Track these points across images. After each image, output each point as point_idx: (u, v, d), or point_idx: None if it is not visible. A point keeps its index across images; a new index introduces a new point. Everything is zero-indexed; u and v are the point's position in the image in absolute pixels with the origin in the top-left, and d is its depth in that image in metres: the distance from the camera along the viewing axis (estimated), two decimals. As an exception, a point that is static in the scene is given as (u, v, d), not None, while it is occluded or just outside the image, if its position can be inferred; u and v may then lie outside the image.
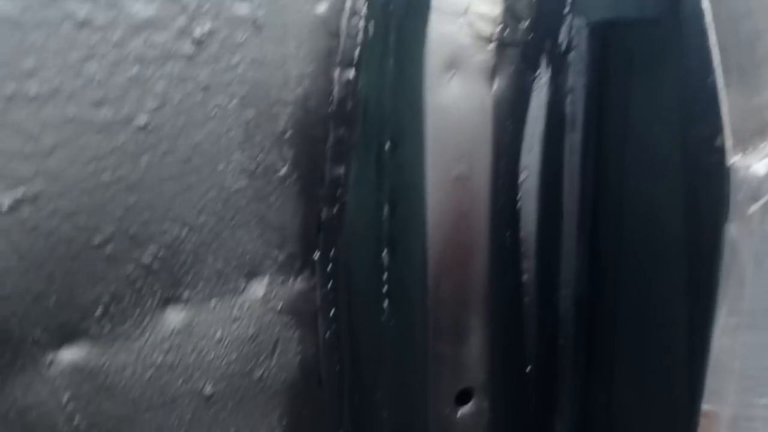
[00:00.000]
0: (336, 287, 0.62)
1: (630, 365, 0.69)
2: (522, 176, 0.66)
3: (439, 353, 0.60)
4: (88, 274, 0.42)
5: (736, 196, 0.51)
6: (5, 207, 0.37)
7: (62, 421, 0.42)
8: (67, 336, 0.43)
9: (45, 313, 0.41)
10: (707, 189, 0.54)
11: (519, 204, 0.66)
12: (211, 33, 0.46)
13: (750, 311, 0.65)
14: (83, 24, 0.39)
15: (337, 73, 0.56)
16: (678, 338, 0.62)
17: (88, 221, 0.41)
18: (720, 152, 0.52)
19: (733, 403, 0.67)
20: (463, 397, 0.63)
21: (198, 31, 0.45)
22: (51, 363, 0.42)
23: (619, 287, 0.69)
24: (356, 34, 0.57)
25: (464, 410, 0.63)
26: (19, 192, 0.38)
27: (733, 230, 0.53)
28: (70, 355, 0.43)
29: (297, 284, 0.58)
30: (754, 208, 0.52)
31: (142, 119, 0.43)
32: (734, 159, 0.51)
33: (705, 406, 0.63)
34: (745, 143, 0.55)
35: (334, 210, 0.60)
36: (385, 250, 0.60)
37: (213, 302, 0.52)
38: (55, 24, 0.38)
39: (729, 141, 0.51)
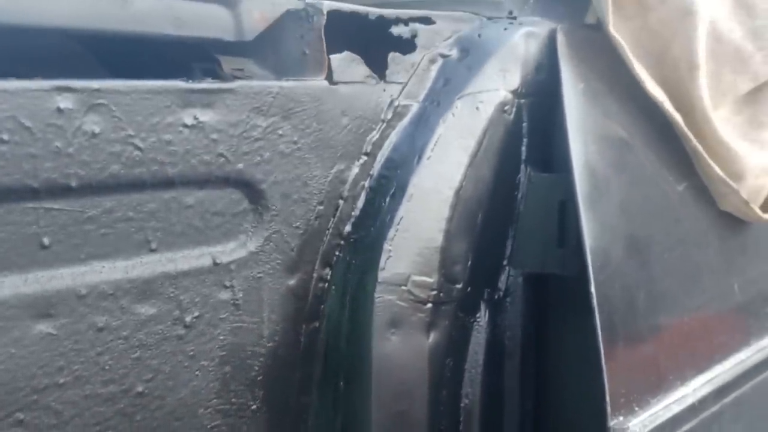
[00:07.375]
0: None
1: None
2: (464, 401, 0.78)
3: None
4: None
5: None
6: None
7: None
8: None
9: None
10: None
11: (461, 426, 0.78)
12: (199, 317, 0.62)
13: None
14: (101, 329, 0.56)
15: (304, 326, 0.72)
16: None
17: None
18: (603, 415, 0.63)
19: None
20: None
21: (189, 318, 0.61)
22: None
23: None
24: (321, 295, 0.73)
25: None
26: (42, 456, 0.53)
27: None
28: None
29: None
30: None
31: (138, 388, 0.59)
32: (614, 421, 0.63)
33: None
34: (632, 403, 0.66)
35: (299, 434, 0.73)
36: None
37: None
38: (82, 333, 0.55)
39: (608, 406, 0.63)
